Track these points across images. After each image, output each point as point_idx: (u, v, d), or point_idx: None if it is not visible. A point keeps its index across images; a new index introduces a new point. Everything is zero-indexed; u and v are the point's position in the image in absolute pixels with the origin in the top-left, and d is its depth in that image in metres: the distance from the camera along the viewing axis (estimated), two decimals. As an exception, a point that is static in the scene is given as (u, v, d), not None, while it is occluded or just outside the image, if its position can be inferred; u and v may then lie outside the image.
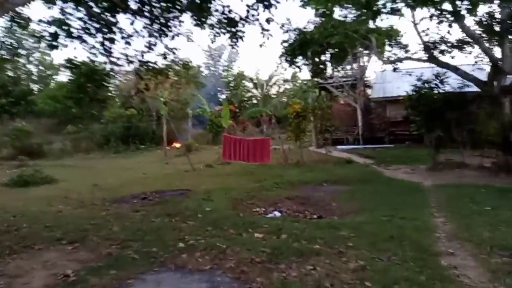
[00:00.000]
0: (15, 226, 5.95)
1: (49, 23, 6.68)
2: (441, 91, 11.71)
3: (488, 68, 11.74)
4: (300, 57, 13.89)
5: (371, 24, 13.83)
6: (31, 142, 20.75)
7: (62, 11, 7.54)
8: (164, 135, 19.25)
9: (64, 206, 7.93)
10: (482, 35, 10.45)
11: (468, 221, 5.49)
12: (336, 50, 13.44)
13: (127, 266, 3.89)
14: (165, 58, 8.94)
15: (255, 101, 34.11)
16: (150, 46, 8.53)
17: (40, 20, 7.00)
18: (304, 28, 13.19)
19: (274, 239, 4.74)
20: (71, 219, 6.51)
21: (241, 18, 6.58)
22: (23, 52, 34.67)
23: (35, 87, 36.14)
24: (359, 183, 9.67)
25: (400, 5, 11.34)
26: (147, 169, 14.62)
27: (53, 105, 26.35)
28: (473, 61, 12.36)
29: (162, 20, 7.78)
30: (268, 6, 6.28)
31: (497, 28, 10.32)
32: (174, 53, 8.82)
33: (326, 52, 13.98)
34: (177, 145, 22.56)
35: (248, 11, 6.44)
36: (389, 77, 21.66)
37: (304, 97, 22.61)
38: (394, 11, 11.30)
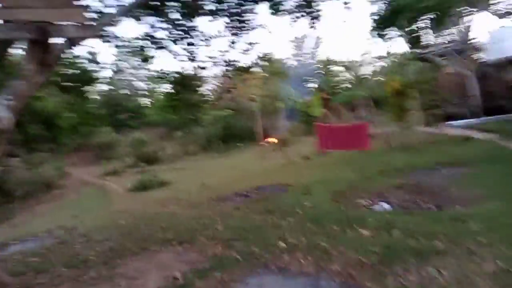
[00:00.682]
0: (136, 228, 6.64)
1: (139, 38, 7.27)
2: None
3: None
4: (393, 28, 12.46)
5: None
6: (147, 149, 23.43)
7: (152, 26, 8.17)
8: (259, 131, 19.63)
9: (176, 207, 8.62)
10: None
11: None
12: (436, 13, 11.64)
13: (231, 268, 3.88)
14: (247, 54, 9.02)
15: (348, 85, 32.41)
16: (231, 44, 8.69)
17: (135, 38, 7.70)
18: (396, -6, 11.82)
19: (385, 237, 4.22)
20: (182, 219, 6.99)
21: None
22: (133, 71, 39.57)
23: (146, 100, 40.86)
24: (483, 164, 8.19)
25: None
26: (247, 166, 15.06)
27: (162, 115, 29.35)
28: None
29: (239, 17, 7.80)
30: None
31: None
32: (253, 47, 8.83)
33: (423, 18, 12.21)
34: (273, 139, 22.79)
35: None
36: (507, 34, 18.16)
37: (403, 72, 20.50)
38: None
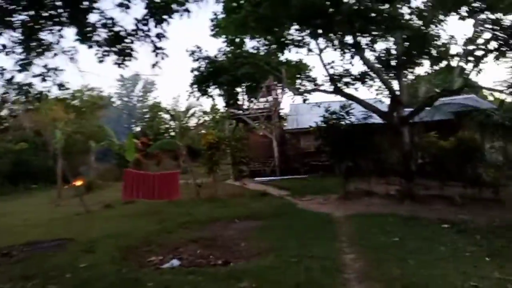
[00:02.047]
0: None
1: None
2: (347, 122, 12.05)
3: (387, 101, 12.53)
4: (214, 87, 13.25)
5: (282, 57, 14.12)
6: None
7: None
8: (58, 172, 16.68)
9: None
10: (381, 69, 11.08)
11: (379, 255, 5.16)
12: (249, 81, 13.10)
13: None
14: (44, 80, 7.55)
15: (173, 133, 32.60)
16: (23, 65, 7.08)
17: None
18: (215, 57, 12.75)
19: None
20: None
21: (128, 34, 5.66)
22: None
23: None
24: (271, 218, 9.04)
25: (307, 39, 11.70)
26: (31, 214, 12.22)
27: None
28: (375, 94, 13.06)
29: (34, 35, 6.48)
30: (159, 21, 5.50)
31: (393, 63, 11.07)
32: (56, 74, 7.48)
33: (240, 83, 13.52)
34: (78, 183, 19.90)
35: (137, 26, 5.57)
36: (302, 110, 22.36)
37: (222, 128, 22.06)
38: (300, 44, 11.57)
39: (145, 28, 5.52)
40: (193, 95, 13.23)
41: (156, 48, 5.70)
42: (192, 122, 32.45)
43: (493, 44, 11.54)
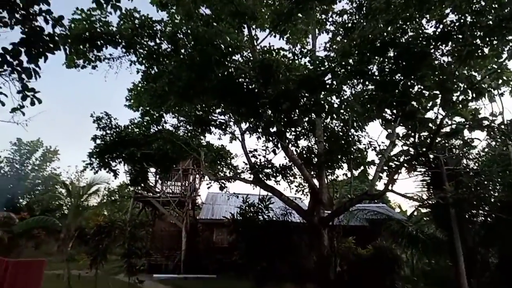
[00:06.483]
0: None
1: None
2: (265, 217, 11.01)
3: (306, 201, 11.98)
4: (118, 160, 11.33)
5: (203, 140, 13.18)
6: None
7: None
8: None
9: None
10: (303, 166, 10.69)
11: None
12: (162, 160, 11.51)
13: None
14: None
15: (65, 211, 27.90)
16: None
17: None
18: (126, 127, 11.25)
19: None
20: None
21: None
22: None
23: None
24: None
25: (231, 123, 11.11)
26: None
27: None
28: (295, 190, 12.49)
29: None
30: (37, 55, 4.08)
31: (314, 161, 10.81)
32: None
33: (151, 160, 11.77)
34: None
35: (2, 56, 4.05)
36: (220, 199, 20.94)
37: (118, 209, 19.18)
38: (223, 126, 10.86)
39: (14, 61, 4.01)
40: (92, 167, 11.06)
41: (25, 88, 4.15)
42: (94, 200, 28.43)
43: (404, 158, 12.34)
